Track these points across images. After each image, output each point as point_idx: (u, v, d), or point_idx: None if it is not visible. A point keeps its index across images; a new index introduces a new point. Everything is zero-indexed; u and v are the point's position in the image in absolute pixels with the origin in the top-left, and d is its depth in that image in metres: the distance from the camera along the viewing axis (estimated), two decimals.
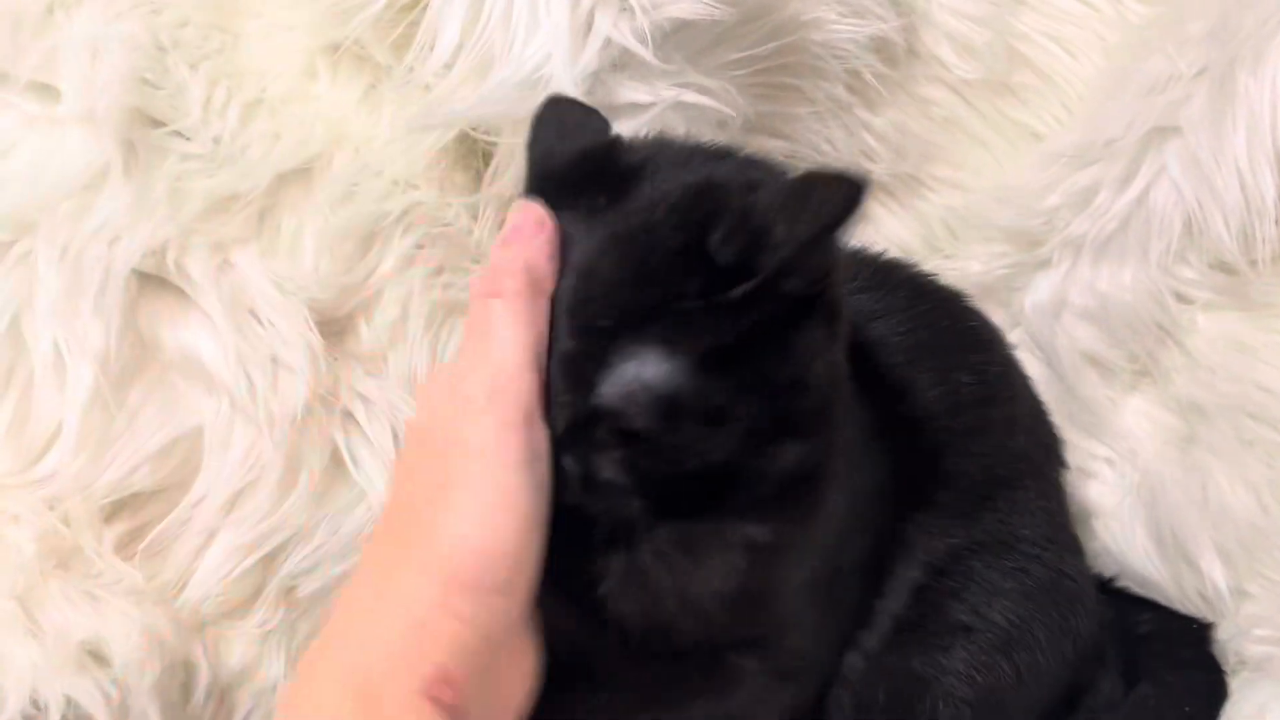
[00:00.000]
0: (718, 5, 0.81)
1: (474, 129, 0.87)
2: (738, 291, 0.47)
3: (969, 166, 0.99)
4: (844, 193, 0.46)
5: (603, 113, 0.62)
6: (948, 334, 0.76)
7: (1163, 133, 0.87)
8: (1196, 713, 0.80)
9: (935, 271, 0.97)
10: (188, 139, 0.79)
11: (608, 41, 0.82)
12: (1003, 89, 0.99)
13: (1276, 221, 0.83)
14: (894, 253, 1.00)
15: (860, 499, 0.63)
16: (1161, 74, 0.88)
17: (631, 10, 0.81)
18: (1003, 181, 0.97)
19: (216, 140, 0.80)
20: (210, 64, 0.82)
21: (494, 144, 0.87)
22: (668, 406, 0.48)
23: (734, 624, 0.56)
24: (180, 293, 0.74)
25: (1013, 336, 0.96)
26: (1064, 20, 0.98)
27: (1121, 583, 0.91)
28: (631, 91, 0.84)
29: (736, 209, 0.48)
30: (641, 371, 0.48)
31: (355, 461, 0.75)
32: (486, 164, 0.89)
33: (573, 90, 0.78)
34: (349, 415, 0.76)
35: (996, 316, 0.97)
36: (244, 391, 0.71)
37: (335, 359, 0.81)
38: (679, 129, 0.83)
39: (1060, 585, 0.74)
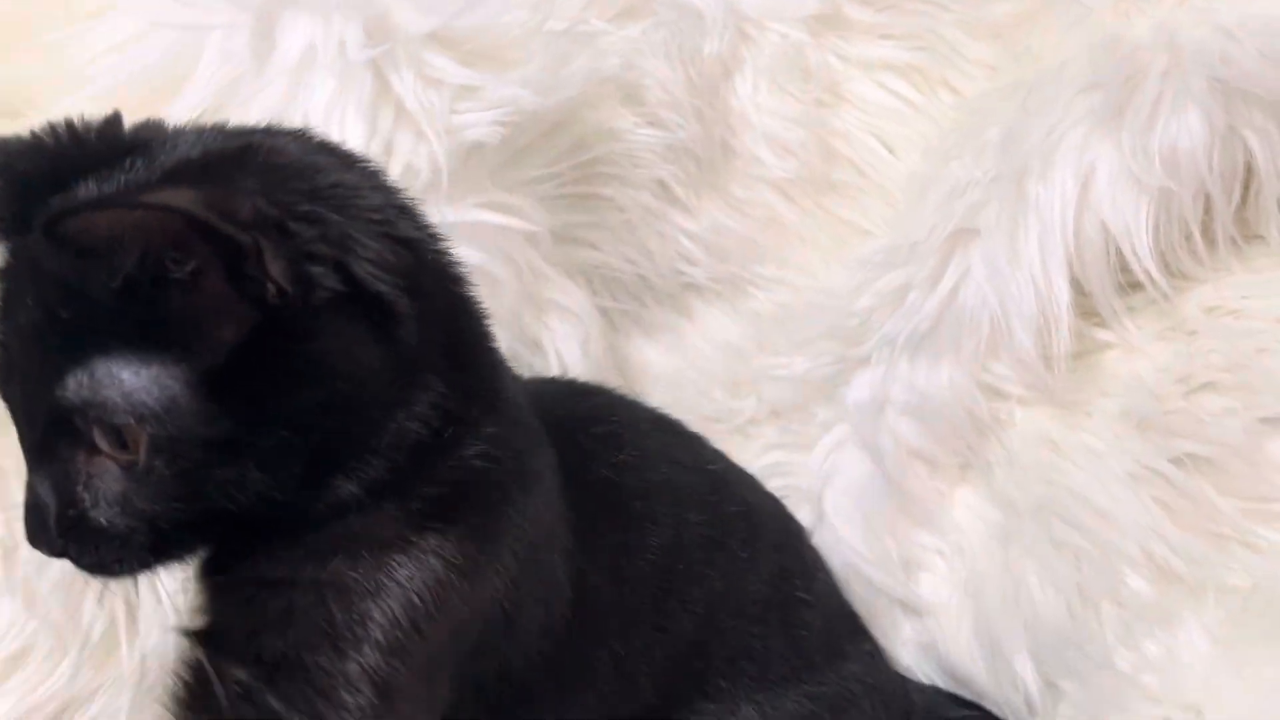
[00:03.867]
0: (509, 122, 0.82)
1: None
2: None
3: (794, 264, 0.99)
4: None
5: None
6: (689, 473, 0.74)
7: (965, 235, 0.88)
8: None
9: (763, 370, 0.99)
10: None
11: (408, 166, 0.82)
12: (824, 186, 0.99)
13: (1071, 327, 0.84)
14: (723, 351, 1.02)
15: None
16: (961, 179, 0.89)
17: (426, 136, 0.81)
18: (827, 279, 0.98)
19: None
20: None
21: None
22: (164, 419, 0.45)
23: None
24: None
25: (839, 433, 0.96)
26: (881, 116, 1.00)
27: (944, 680, 0.91)
28: (434, 213, 0.85)
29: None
30: (120, 373, 0.45)
31: (134, 625, 0.73)
32: None
33: None
34: None
35: (825, 413, 0.98)
36: (1, 565, 0.70)
37: None
38: (484, 245, 0.84)
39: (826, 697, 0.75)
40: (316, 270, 0.45)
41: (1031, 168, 0.84)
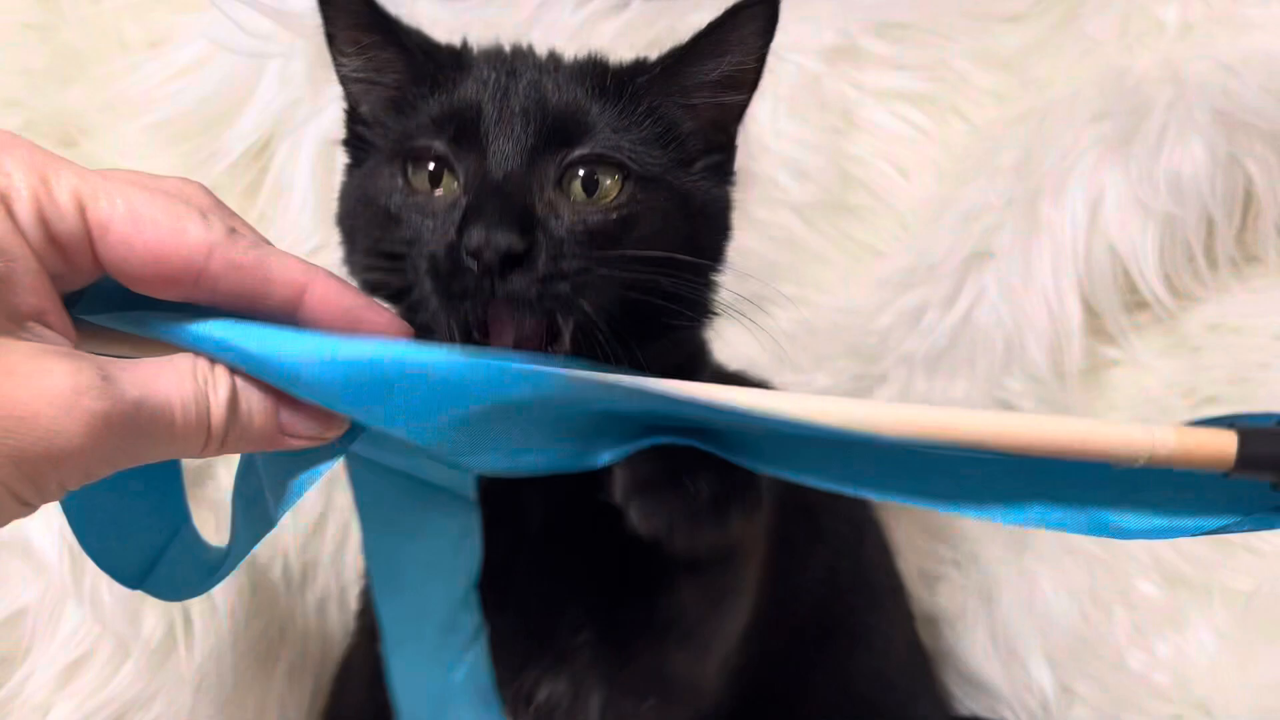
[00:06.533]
0: None
1: None
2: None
3: (812, 283, 1.03)
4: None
5: None
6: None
7: (980, 257, 0.93)
8: None
9: (783, 386, 1.03)
10: None
11: None
12: (840, 209, 1.03)
13: (1082, 344, 0.89)
14: (745, 367, 1.05)
15: None
16: (976, 203, 0.94)
17: None
18: (844, 298, 1.02)
19: None
20: None
21: None
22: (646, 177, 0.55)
23: None
24: None
25: None
26: (894, 142, 1.04)
27: (964, 686, 0.95)
28: None
29: None
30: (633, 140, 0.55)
31: (190, 630, 0.76)
32: None
33: None
34: None
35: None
36: (69, 572, 0.72)
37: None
38: None
39: None
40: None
41: (1044, 193, 0.89)
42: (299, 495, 0.51)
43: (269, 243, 0.45)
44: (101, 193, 0.40)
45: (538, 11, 0.92)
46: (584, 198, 0.53)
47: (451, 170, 0.53)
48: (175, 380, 0.41)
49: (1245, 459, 0.39)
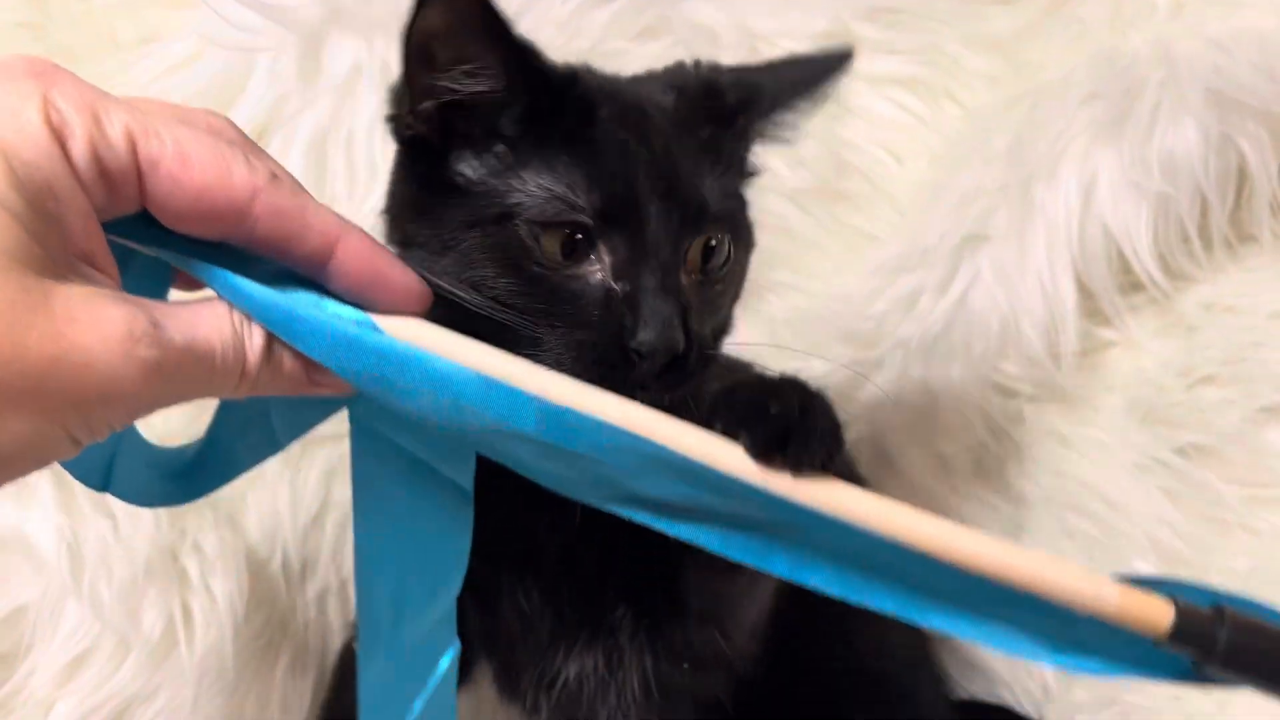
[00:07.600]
0: None
1: None
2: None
3: (807, 271, 1.03)
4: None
5: None
6: None
7: (975, 241, 0.93)
8: None
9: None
10: None
11: None
12: (835, 195, 1.03)
13: (1077, 326, 0.89)
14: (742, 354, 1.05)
15: None
16: (970, 187, 0.94)
17: None
18: (840, 285, 1.02)
19: None
20: None
21: None
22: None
23: None
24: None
25: (856, 432, 1.00)
26: (888, 128, 1.04)
27: (963, 669, 0.95)
28: None
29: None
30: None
31: (190, 625, 0.76)
32: None
33: None
34: (184, 575, 0.78)
35: (841, 414, 1.01)
36: (68, 570, 0.72)
37: (186, 510, 0.83)
38: None
39: None
40: None
41: (1038, 175, 0.89)
42: (311, 427, 0.52)
43: (305, 190, 0.46)
44: (151, 130, 0.41)
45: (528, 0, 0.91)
46: (701, 266, 0.56)
47: (594, 247, 0.53)
48: (216, 325, 0.42)
49: (1175, 634, 0.41)
